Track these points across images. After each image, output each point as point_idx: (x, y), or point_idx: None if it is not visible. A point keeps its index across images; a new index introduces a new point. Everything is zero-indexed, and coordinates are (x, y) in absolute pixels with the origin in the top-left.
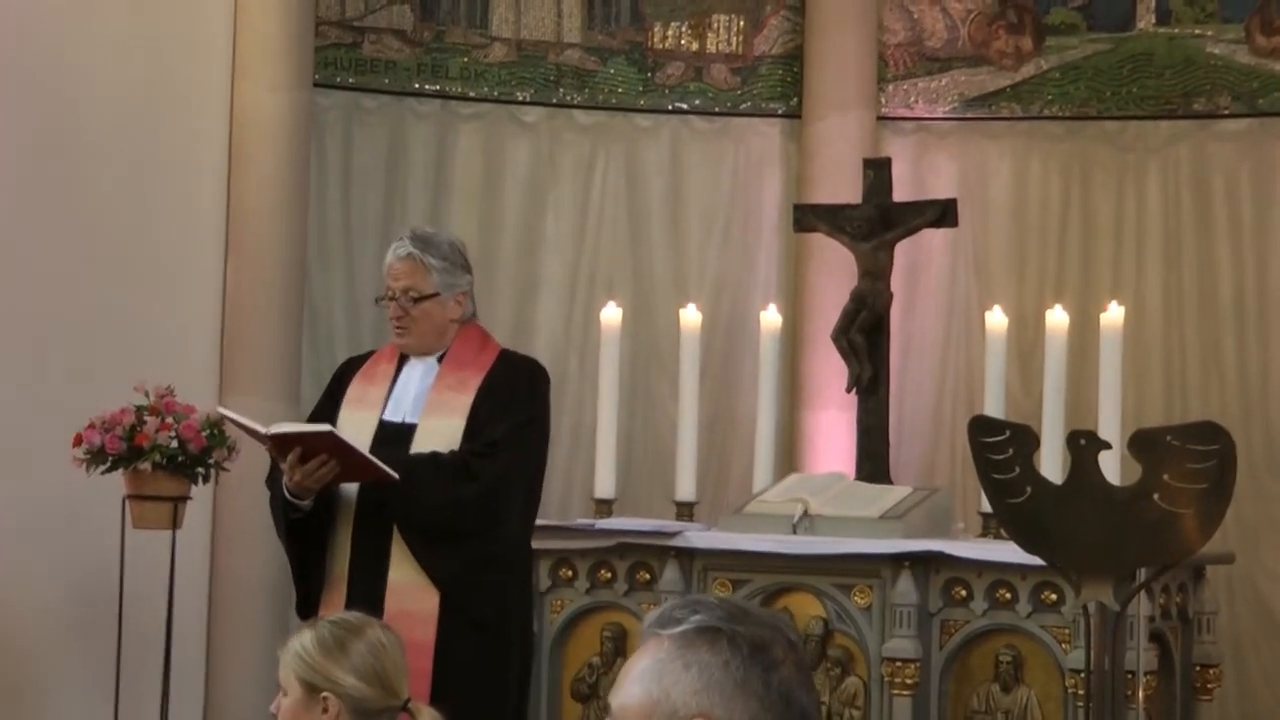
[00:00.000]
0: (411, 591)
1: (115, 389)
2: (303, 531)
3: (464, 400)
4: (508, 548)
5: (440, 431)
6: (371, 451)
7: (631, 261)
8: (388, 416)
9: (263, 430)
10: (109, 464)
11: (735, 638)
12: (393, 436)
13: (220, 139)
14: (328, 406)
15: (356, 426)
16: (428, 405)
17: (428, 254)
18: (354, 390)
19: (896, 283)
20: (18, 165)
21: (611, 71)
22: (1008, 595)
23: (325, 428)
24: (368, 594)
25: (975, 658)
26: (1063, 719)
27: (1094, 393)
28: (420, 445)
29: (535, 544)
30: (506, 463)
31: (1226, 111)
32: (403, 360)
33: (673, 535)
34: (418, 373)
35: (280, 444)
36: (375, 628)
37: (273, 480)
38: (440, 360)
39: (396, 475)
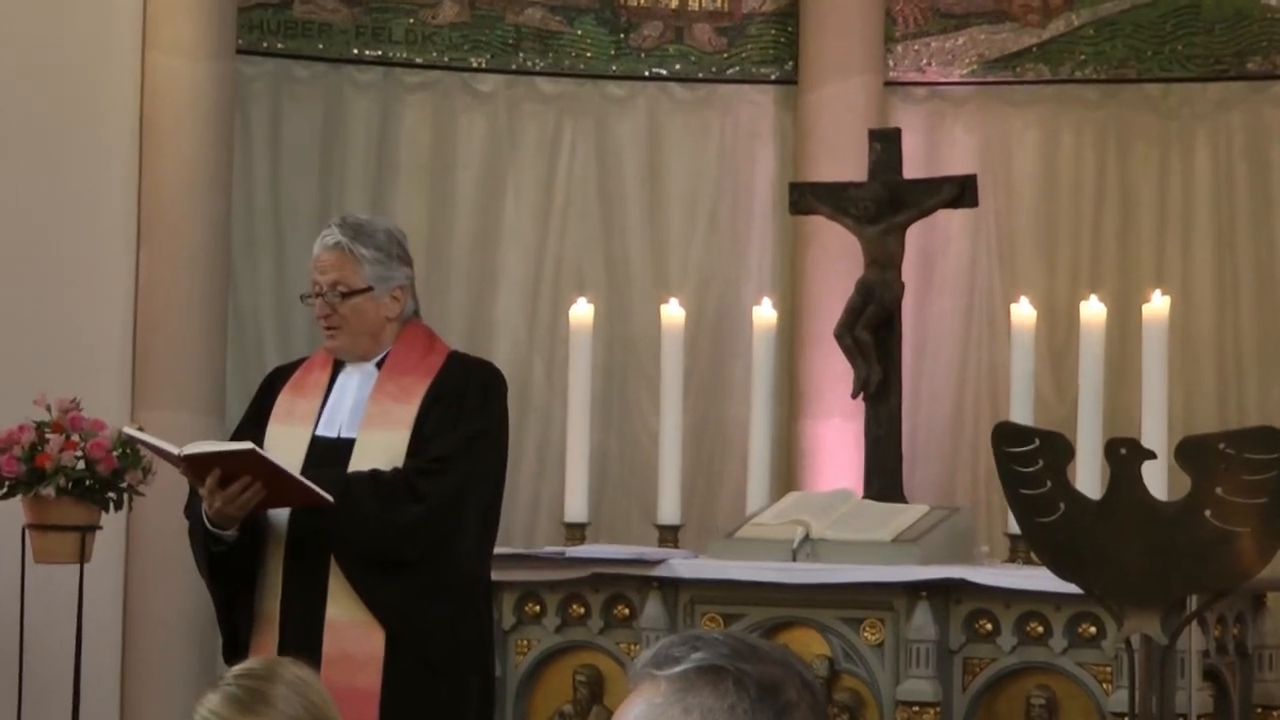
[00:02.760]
0: (352, 631)
1: (12, 402)
2: (227, 566)
3: (407, 410)
4: (461, 578)
5: (381, 447)
6: (303, 472)
7: (604, 251)
8: (321, 431)
9: (176, 451)
10: (6, 489)
11: (742, 678)
12: (328, 454)
13: (130, 114)
14: (254, 422)
15: (286, 444)
16: (367, 417)
17: (359, 243)
18: (283, 403)
19: (908, 272)
20: None
21: (579, 33)
22: (1040, 629)
23: (247, 446)
24: (302, 634)
25: (1003, 701)
26: None
27: (1136, 395)
28: (359, 463)
29: (498, 575)
30: (457, 480)
31: None
32: (338, 368)
33: (655, 564)
34: (354, 381)
35: (197, 466)
36: (286, 665)
37: (192, 508)
38: (380, 366)
39: (330, 498)
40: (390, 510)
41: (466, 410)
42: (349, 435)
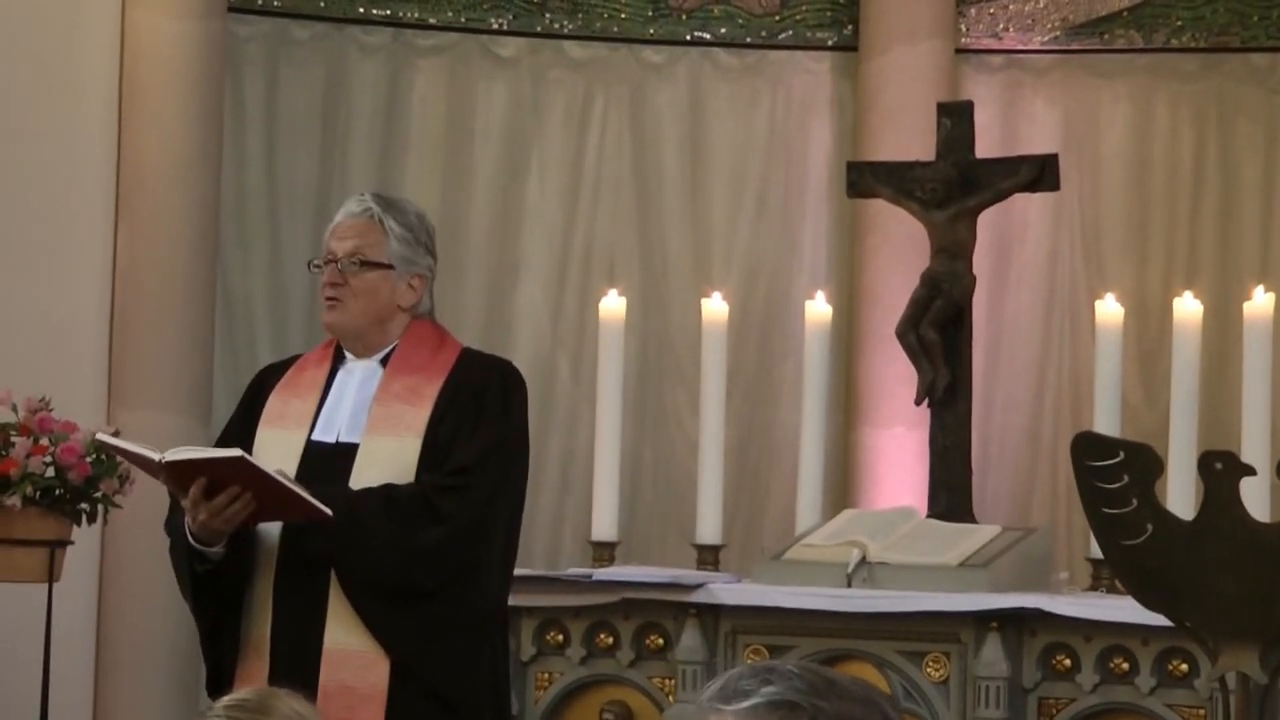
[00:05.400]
0: (353, 660)
1: None
2: (213, 586)
3: (418, 414)
4: (485, 605)
5: (388, 454)
6: (302, 482)
7: (638, 237)
8: (318, 436)
9: (156, 457)
10: None
11: (818, 716)
12: (326, 461)
13: (108, 80)
14: (242, 426)
15: (278, 449)
16: (371, 420)
17: (390, 216)
18: (274, 404)
19: (980, 263)
20: None
21: None
22: (1124, 665)
23: (235, 452)
24: (296, 663)
25: None
26: None
27: (1235, 403)
28: (363, 471)
29: (516, 600)
30: (481, 498)
31: None
32: (336, 365)
33: (692, 589)
34: (355, 379)
35: (179, 474)
36: (281, 698)
37: (173, 522)
38: (384, 363)
39: (329, 511)
40: (408, 533)
41: (485, 416)
42: (349, 440)
